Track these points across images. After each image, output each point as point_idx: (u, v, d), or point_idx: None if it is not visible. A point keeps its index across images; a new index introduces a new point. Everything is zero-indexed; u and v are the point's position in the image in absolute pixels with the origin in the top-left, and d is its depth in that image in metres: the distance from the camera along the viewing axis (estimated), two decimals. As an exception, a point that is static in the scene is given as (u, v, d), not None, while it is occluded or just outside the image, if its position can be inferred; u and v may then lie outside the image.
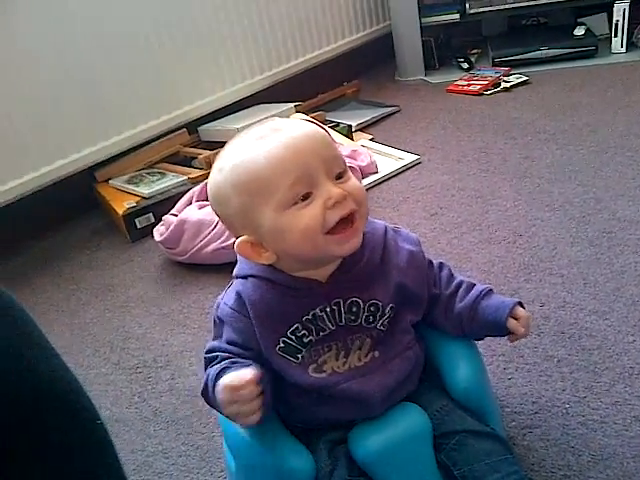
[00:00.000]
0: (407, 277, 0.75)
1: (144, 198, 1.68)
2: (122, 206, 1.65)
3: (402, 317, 0.75)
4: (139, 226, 1.64)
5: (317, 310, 0.71)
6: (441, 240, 1.38)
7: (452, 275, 0.81)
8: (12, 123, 1.61)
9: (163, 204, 1.63)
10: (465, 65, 2.31)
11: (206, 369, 0.72)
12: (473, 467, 0.70)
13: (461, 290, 0.79)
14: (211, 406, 0.72)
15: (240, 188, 0.68)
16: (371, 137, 1.94)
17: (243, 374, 0.64)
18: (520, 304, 0.77)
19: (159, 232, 1.49)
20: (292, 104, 1.99)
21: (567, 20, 2.33)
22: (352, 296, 0.72)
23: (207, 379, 0.70)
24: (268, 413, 0.69)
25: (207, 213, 1.43)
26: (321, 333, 0.72)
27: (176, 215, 1.49)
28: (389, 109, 2.11)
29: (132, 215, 1.63)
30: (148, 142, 1.88)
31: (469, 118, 1.96)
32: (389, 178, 1.70)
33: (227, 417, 0.68)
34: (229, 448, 0.80)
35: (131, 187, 1.74)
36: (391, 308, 0.74)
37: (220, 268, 1.39)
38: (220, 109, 2.01)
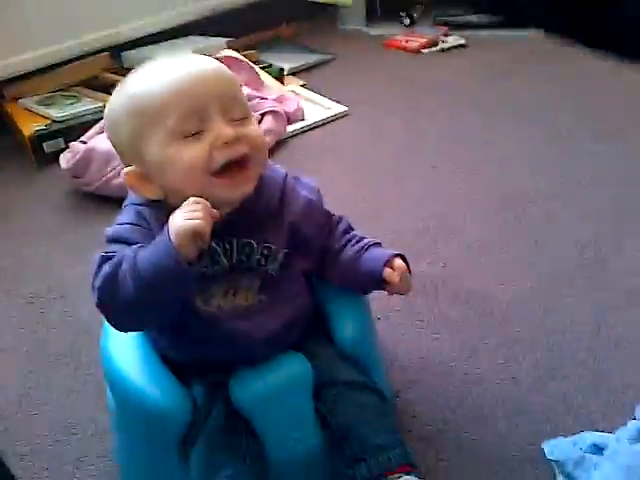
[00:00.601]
0: (302, 224, 0.74)
1: (55, 121, 1.58)
2: (30, 128, 1.55)
3: (294, 264, 0.75)
4: (47, 150, 1.54)
5: (213, 243, 0.68)
6: (357, 194, 1.37)
7: (348, 230, 0.80)
8: None
9: (75, 130, 1.53)
10: (407, 21, 2.28)
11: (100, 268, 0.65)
12: (348, 418, 0.71)
13: (349, 244, 0.79)
14: (113, 302, 0.64)
15: (132, 113, 0.66)
16: (303, 83, 1.89)
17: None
18: (401, 257, 0.76)
19: (66, 159, 1.41)
20: (224, 39, 1.91)
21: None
22: (246, 237, 0.71)
23: (117, 263, 0.64)
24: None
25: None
26: (215, 266, 0.70)
27: (85, 143, 1.41)
28: (324, 56, 2.06)
29: (40, 138, 1.54)
30: (66, 63, 1.77)
31: (403, 75, 1.94)
32: (315, 127, 1.67)
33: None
34: (107, 382, 0.77)
35: (42, 108, 1.63)
36: (284, 254, 0.73)
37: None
38: (147, 36, 1.90)
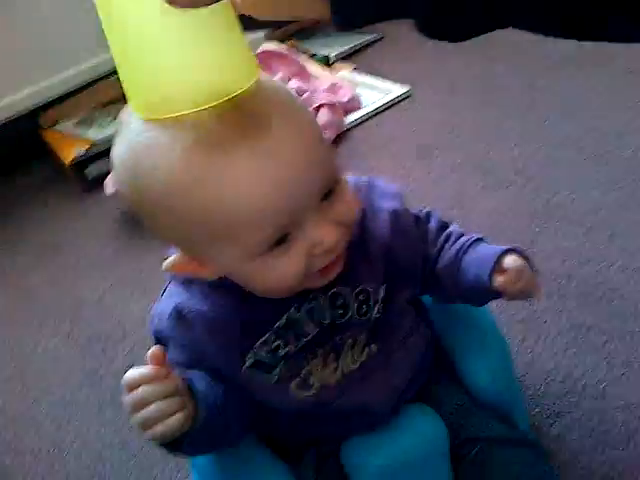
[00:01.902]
0: (394, 245, 0.57)
1: (95, 144, 1.46)
2: (70, 154, 1.44)
3: (397, 296, 0.58)
4: (91, 176, 1.43)
5: (291, 311, 0.53)
6: (437, 186, 1.20)
7: (443, 226, 0.62)
8: None
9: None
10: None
11: None
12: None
13: (446, 245, 0.60)
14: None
15: (178, 217, 0.44)
16: (353, 67, 1.72)
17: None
18: (512, 251, 0.55)
19: (112, 182, 1.28)
20: (262, 32, 1.76)
21: None
22: (333, 286, 0.54)
23: None
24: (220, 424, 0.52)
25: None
26: (302, 339, 0.54)
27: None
28: (371, 36, 1.88)
29: (81, 164, 1.42)
30: (100, 79, 1.65)
31: (462, 45, 1.74)
32: (375, 115, 1.50)
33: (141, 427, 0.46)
34: (193, 466, 0.63)
35: (81, 131, 1.52)
36: (382, 289, 0.56)
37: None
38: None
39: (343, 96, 1.50)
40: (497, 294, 0.55)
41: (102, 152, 1.43)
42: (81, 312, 1.11)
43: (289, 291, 0.49)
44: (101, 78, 1.63)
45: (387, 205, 0.58)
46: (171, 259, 0.50)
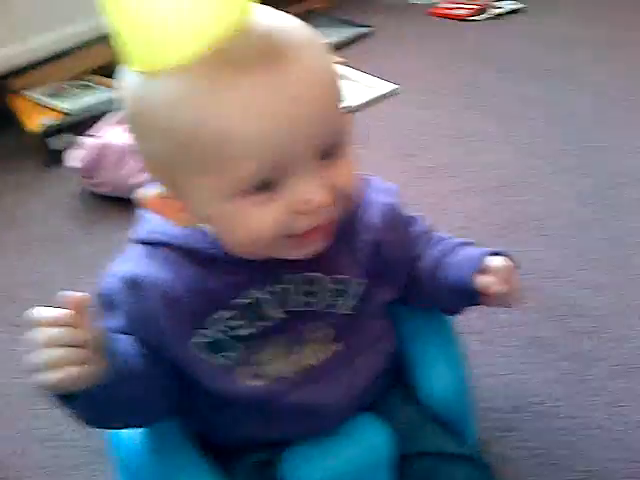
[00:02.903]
0: (383, 240, 0.54)
1: (66, 114, 1.40)
2: (36, 123, 1.38)
3: (373, 295, 0.54)
4: (56, 148, 1.37)
5: (257, 290, 0.49)
6: (413, 186, 1.16)
7: (426, 231, 0.60)
8: None
9: (88, 124, 1.35)
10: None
11: None
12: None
13: (428, 248, 0.58)
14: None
15: (175, 134, 0.41)
16: (343, 60, 1.68)
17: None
18: (499, 253, 0.54)
19: (76, 157, 1.23)
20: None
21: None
22: (308, 269, 0.50)
23: None
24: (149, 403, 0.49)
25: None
26: (263, 323, 0.50)
27: (96, 137, 1.23)
28: (362, 29, 1.84)
29: (48, 134, 1.36)
30: (76, 49, 1.59)
31: (453, 46, 1.71)
32: (358, 109, 1.46)
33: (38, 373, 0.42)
34: (119, 470, 0.59)
35: (51, 100, 1.46)
36: (361, 284, 0.53)
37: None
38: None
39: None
40: (477, 297, 0.53)
41: (71, 125, 1.38)
42: (24, 292, 1.04)
43: (262, 249, 0.45)
44: (75, 49, 1.58)
45: (382, 199, 0.55)
46: (147, 192, 0.46)
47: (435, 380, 0.58)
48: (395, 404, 0.57)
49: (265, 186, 0.42)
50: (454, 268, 0.55)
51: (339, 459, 0.52)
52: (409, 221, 0.59)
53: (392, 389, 0.59)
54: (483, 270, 0.53)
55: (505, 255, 0.54)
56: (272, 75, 0.39)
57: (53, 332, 0.41)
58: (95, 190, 1.24)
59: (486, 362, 0.81)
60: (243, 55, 0.39)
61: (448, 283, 0.55)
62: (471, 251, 0.56)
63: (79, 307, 0.41)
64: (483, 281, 0.52)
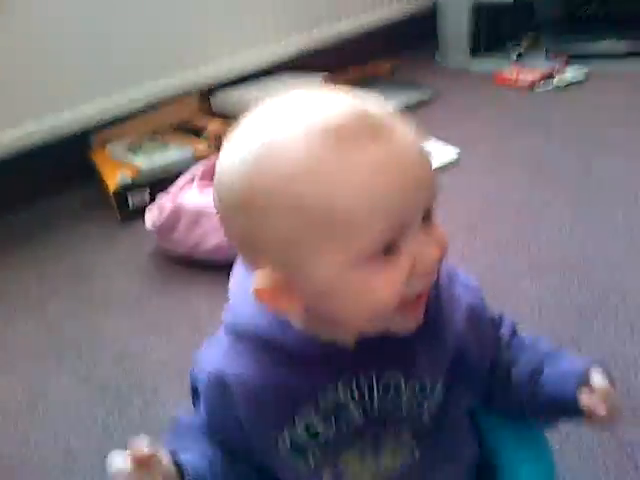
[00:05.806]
0: (466, 344, 0.53)
1: (141, 172, 1.47)
2: (114, 179, 1.44)
3: (455, 402, 0.53)
4: (132, 205, 1.43)
5: (339, 391, 0.49)
6: (479, 261, 1.17)
7: (515, 331, 0.58)
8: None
9: (162, 182, 1.41)
10: (516, 53, 2.06)
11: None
12: None
13: (521, 355, 0.56)
14: None
15: (290, 212, 0.41)
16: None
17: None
18: (598, 368, 0.51)
19: (151, 217, 1.28)
20: (319, 75, 1.78)
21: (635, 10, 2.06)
22: (389, 369, 0.49)
23: None
24: None
25: (210, 200, 1.22)
26: (344, 428, 0.50)
27: (171, 198, 1.28)
28: (426, 95, 1.88)
29: (124, 192, 1.42)
30: (154, 107, 1.67)
31: (517, 115, 1.72)
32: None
33: None
34: None
35: (128, 155, 1.53)
36: (442, 389, 0.52)
37: (221, 268, 1.17)
38: (238, 79, 1.80)
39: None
40: (578, 414, 0.51)
41: (147, 182, 1.44)
42: (99, 350, 1.08)
43: (382, 319, 0.46)
44: (153, 106, 1.66)
45: (467, 297, 0.54)
46: (259, 280, 0.45)
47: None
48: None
49: (388, 249, 0.43)
50: (556, 381, 0.53)
51: None
52: (495, 323, 0.58)
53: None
54: (586, 387, 0.50)
55: (603, 370, 0.51)
56: (383, 147, 0.42)
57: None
58: (169, 250, 1.28)
59: (567, 467, 0.76)
60: (352, 132, 0.41)
61: (549, 396, 0.53)
62: (570, 362, 0.54)
63: (148, 461, 0.43)
64: (590, 402, 0.49)
